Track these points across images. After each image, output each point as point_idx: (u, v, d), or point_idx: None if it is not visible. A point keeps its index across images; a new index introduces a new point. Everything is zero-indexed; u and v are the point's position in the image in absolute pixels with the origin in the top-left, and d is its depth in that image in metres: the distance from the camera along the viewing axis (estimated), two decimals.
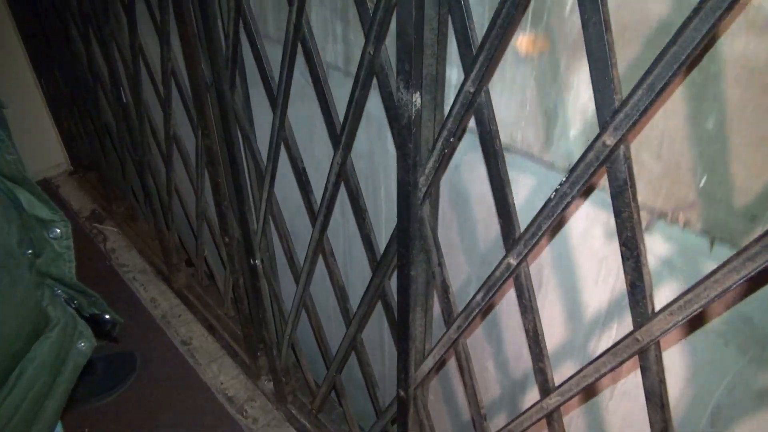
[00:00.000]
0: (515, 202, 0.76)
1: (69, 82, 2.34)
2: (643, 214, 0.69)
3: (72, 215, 2.59)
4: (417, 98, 0.77)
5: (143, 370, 1.90)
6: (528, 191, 0.83)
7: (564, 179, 0.64)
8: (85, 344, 0.87)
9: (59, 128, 2.78)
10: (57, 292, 0.85)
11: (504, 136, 0.79)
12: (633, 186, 0.60)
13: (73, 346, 0.85)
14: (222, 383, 1.83)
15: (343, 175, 1.03)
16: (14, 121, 0.92)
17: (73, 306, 0.88)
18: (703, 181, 0.63)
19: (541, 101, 0.75)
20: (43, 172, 2.83)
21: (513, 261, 0.75)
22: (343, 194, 1.10)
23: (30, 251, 0.77)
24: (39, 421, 0.82)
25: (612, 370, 0.70)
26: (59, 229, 0.84)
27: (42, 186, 2.75)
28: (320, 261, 1.26)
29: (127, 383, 1.85)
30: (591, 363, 0.72)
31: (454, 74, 0.84)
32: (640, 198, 0.65)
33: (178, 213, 1.98)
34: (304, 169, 1.16)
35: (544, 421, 0.86)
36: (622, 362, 0.68)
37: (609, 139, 0.58)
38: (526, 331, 0.82)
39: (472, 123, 0.81)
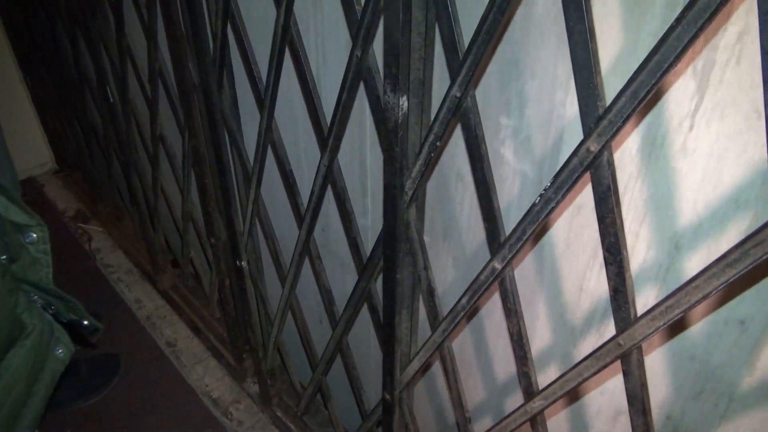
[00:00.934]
0: None
1: (55, 81, 2.31)
2: None
3: (57, 215, 2.57)
4: (404, 102, 0.77)
5: (127, 372, 1.88)
6: None
7: (548, 184, 0.65)
8: (62, 351, 0.85)
9: (45, 127, 2.75)
10: (33, 298, 0.83)
11: None
12: (616, 192, 0.60)
13: (50, 353, 0.83)
14: (207, 385, 1.82)
15: (330, 177, 1.03)
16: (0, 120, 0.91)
17: (51, 312, 0.86)
18: None
19: None
20: (28, 171, 2.80)
21: (498, 265, 0.76)
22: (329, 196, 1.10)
23: (4, 256, 0.75)
24: (16, 430, 0.80)
25: (595, 374, 0.70)
26: (35, 233, 0.82)
27: (27, 185, 2.71)
28: (306, 263, 1.25)
29: (111, 385, 1.83)
30: (574, 367, 0.72)
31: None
32: None
33: (164, 214, 1.97)
34: (291, 170, 1.16)
35: (528, 424, 0.86)
36: (605, 366, 0.69)
37: (593, 146, 0.59)
38: (511, 335, 0.82)
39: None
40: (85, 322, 0.91)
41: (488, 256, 0.77)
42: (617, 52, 0.65)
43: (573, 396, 0.91)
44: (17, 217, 0.80)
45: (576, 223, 0.79)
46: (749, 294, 0.65)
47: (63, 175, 2.82)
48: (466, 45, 0.67)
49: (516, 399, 1.03)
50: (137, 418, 1.74)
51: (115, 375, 1.86)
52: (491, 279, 0.78)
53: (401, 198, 0.85)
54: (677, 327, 0.73)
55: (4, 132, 1.48)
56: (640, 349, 0.65)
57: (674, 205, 0.68)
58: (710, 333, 0.71)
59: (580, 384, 0.73)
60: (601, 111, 0.57)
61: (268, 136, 1.13)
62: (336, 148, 0.99)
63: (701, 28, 0.48)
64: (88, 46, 1.85)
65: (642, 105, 0.54)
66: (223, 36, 1.11)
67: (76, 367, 1.81)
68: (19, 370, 0.77)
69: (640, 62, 0.52)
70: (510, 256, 0.74)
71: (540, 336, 0.92)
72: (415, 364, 1.01)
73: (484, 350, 1.05)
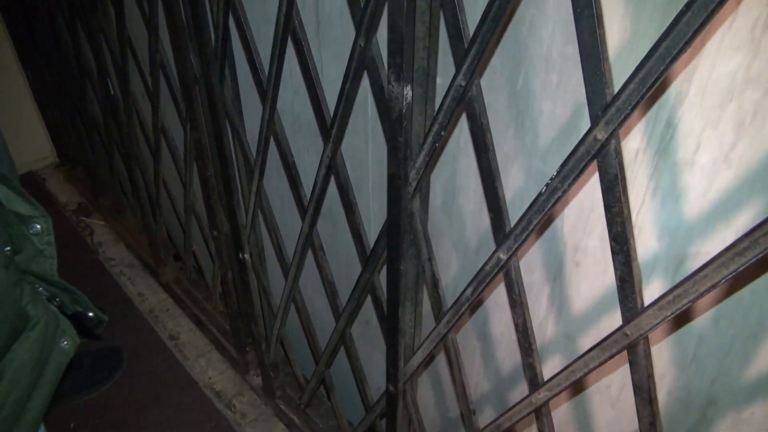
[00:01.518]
0: None
1: (56, 74, 2.31)
2: None
3: (58, 208, 2.56)
4: (408, 92, 0.77)
5: (130, 365, 1.88)
6: None
7: (555, 174, 0.64)
8: (68, 343, 0.84)
9: (46, 121, 2.74)
10: (38, 290, 0.82)
11: None
12: (623, 180, 0.60)
13: (55, 345, 0.82)
14: (210, 378, 1.82)
15: (333, 168, 1.02)
16: (0, 114, 0.90)
17: (56, 303, 0.86)
18: None
19: None
20: (30, 164, 2.79)
21: (503, 256, 0.75)
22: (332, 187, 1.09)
23: (7, 248, 0.74)
24: (21, 424, 0.80)
25: (601, 364, 0.70)
26: (39, 224, 0.81)
27: (28, 179, 2.70)
28: (309, 255, 1.25)
29: (114, 378, 1.83)
30: (580, 358, 0.72)
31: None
32: None
33: (166, 206, 1.96)
34: (293, 162, 1.15)
35: (533, 415, 0.86)
36: (611, 357, 0.69)
37: (600, 134, 0.58)
38: (516, 326, 0.82)
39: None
40: (90, 314, 0.91)
41: (493, 247, 0.76)
42: (626, 38, 0.64)
43: (578, 387, 0.91)
44: (21, 208, 0.79)
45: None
46: None
47: (64, 169, 2.82)
48: (471, 33, 0.66)
49: (521, 390, 1.03)
50: (140, 411, 1.74)
51: (118, 368, 1.86)
52: (496, 270, 0.77)
53: (405, 188, 0.85)
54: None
55: (5, 126, 1.48)
56: (647, 339, 0.65)
57: (683, 192, 0.67)
58: None
59: (585, 375, 0.72)
60: (608, 98, 0.57)
61: (271, 127, 1.13)
62: (339, 139, 0.98)
63: (712, 14, 0.47)
64: (88, 39, 1.84)
65: (650, 92, 0.53)
66: (225, 27, 1.11)
67: (79, 360, 1.81)
68: (24, 363, 0.76)
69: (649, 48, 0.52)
70: (515, 247, 0.73)
71: (545, 326, 0.92)
72: (419, 356, 1.01)
73: (489, 341, 1.05)
